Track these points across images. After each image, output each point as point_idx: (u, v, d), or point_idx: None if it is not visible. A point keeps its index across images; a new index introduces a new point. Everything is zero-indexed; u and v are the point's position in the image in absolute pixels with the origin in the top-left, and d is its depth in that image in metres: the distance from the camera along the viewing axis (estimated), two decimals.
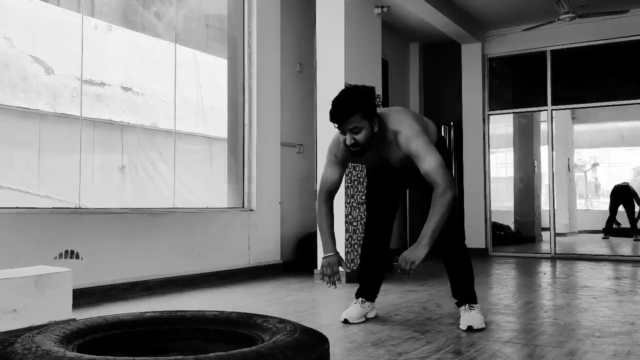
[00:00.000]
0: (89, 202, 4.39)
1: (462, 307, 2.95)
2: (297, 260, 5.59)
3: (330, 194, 2.85)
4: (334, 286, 2.75)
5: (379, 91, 5.32)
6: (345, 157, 2.80)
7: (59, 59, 5.11)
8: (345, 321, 2.98)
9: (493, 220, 7.63)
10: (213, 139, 5.98)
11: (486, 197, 7.48)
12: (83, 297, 3.59)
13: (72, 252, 3.64)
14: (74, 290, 2.75)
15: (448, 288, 3.15)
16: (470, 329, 2.81)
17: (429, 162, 2.54)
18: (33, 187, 4.95)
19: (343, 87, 4.70)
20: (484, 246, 7.41)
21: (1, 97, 4.72)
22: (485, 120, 7.53)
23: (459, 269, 2.99)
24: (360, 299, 3.11)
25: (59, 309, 2.60)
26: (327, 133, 4.84)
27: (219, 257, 4.79)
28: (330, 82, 4.87)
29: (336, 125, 2.57)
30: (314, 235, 5.09)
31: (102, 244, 3.90)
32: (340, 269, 2.81)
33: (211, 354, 1.41)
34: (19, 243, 3.43)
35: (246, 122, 5.36)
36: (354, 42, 4.98)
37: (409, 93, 8.08)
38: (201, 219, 4.69)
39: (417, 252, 2.49)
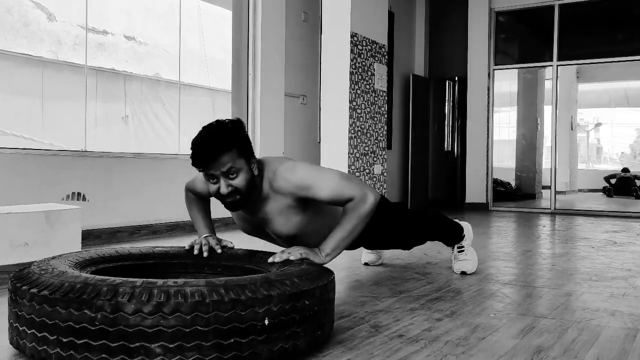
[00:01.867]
0: (93, 149, 4.41)
1: (451, 249, 2.95)
2: None
3: (202, 197, 2.28)
4: (205, 253, 2.05)
5: (383, 41, 5.29)
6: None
7: (61, 5, 5.06)
8: (366, 264, 3.09)
9: (494, 176, 7.68)
10: (216, 91, 5.97)
11: (488, 153, 7.51)
12: (90, 238, 3.65)
13: (79, 194, 3.69)
14: (81, 232, 2.80)
15: None
16: (464, 274, 2.85)
17: (326, 184, 1.92)
18: (37, 134, 4.98)
19: (348, 36, 4.69)
20: (484, 201, 7.47)
21: (3, 43, 4.70)
22: (490, 75, 7.49)
23: (440, 231, 2.87)
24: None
25: (69, 245, 2.66)
26: (331, 83, 4.84)
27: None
28: (335, 32, 4.84)
29: (202, 170, 1.86)
30: None
31: (108, 187, 3.95)
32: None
33: (221, 278, 1.45)
34: (27, 184, 3.48)
35: (250, 72, 5.35)
36: None
37: (414, 46, 8.02)
38: None
39: (313, 256, 1.88)
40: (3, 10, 4.74)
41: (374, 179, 5.19)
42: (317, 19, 5.97)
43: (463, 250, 2.89)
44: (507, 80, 8.43)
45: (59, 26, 5.21)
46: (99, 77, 5.25)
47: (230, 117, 1.92)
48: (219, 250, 2.05)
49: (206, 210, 2.29)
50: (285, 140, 5.56)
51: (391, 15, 6.97)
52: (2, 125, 4.46)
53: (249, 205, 1.99)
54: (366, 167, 5.01)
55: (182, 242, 3.96)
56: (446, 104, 8.40)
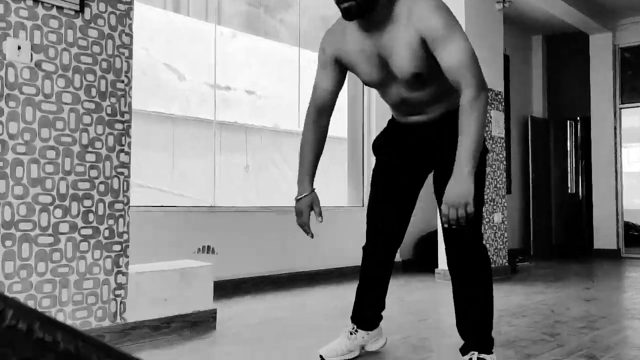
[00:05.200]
0: (217, 201, 4.68)
1: (468, 358, 2.00)
2: (417, 259, 5.60)
3: (320, 110, 2.09)
4: (311, 236, 2.09)
5: (499, 87, 5.21)
6: (337, 50, 2.00)
7: (189, 65, 5.47)
8: (321, 358, 2.21)
9: (625, 219, 7.19)
10: (333, 139, 6.14)
11: (617, 195, 7.06)
12: (217, 289, 3.84)
13: (209, 247, 3.91)
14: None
15: (577, 290, 3.04)
16: None
17: (455, 48, 1.75)
18: (168, 186, 5.36)
19: None
20: (615, 247, 7.00)
21: (139, 104, 5.15)
22: (616, 114, 7.11)
23: (470, 288, 2.00)
24: (352, 325, 2.29)
25: (202, 300, 2.82)
26: None
27: (341, 255, 4.92)
28: None
29: None
30: (434, 234, 5.09)
31: (234, 240, 4.15)
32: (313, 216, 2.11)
33: None
34: (162, 238, 3.74)
35: (365, 122, 5.45)
36: (474, 38, 4.91)
37: (532, 87, 7.80)
38: (326, 217, 4.83)
39: (462, 186, 1.71)
40: (139, 73, 5.19)
41: (494, 228, 5.05)
42: None
43: None
44: (637, 115, 7.94)
45: (187, 85, 5.63)
46: (223, 130, 5.59)
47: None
48: (320, 220, 2.05)
49: (315, 154, 2.12)
50: None
51: (506, 59, 6.86)
52: (139, 179, 4.85)
53: (370, 20, 1.84)
54: (485, 217, 4.90)
55: (302, 295, 4.06)
56: (568, 144, 8.04)
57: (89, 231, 2.44)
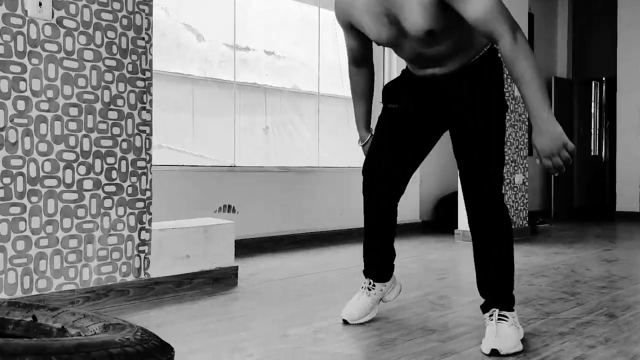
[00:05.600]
0: (237, 161, 4.70)
1: (489, 315, 1.96)
2: (437, 220, 5.61)
3: (357, 64, 2.16)
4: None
5: None
6: (347, 16, 1.98)
7: (208, 26, 5.43)
8: (345, 322, 2.18)
9: None
10: (349, 99, 6.10)
11: None
12: (239, 248, 3.89)
13: (230, 206, 3.95)
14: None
15: (597, 252, 3.02)
16: (495, 353, 1.81)
17: (477, 3, 1.68)
18: (188, 147, 5.38)
19: None
20: (638, 209, 6.93)
21: (159, 64, 5.14)
22: None
23: (490, 246, 1.98)
24: (368, 280, 2.26)
25: (224, 257, 2.87)
26: None
27: (360, 215, 4.93)
28: None
29: None
30: (455, 195, 5.08)
31: (254, 199, 4.19)
32: None
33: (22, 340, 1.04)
34: (183, 197, 3.78)
35: (386, 79, 5.40)
36: None
37: (556, 47, 7.63)
38: (344, 178, 4.84)
39: (550, 130, 1.63)
40: (159, 34, 5.17)
41: (515, 189, 5.02)
42: None
43: (506, 319, 1.92)
44: None
45: (207, 45, 5.60)
46: (242, 91, 5.57)
47: None
48: None
49: (364, 97, 2.21)
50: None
51: (530, 17, 6.70)
52: (160, 140, 4.88)
53: None
54: (507, 177, 4.87)
55: (322, 254, 4.10)
56: (592, 105, 7.90)
57: (112, 188, 2.47)
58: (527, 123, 5.18)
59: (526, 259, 3.81)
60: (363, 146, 2.28)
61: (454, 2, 1.71)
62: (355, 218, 4.89)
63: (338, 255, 4.07)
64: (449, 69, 1.98)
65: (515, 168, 5.03)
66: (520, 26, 1.70)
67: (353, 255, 4.09)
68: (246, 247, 4.00)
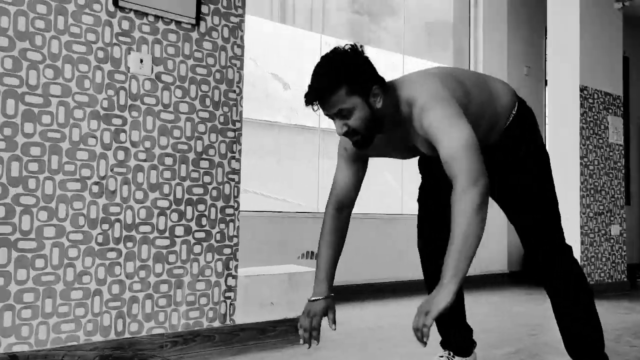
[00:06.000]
0: (320, 207, 4.75)
1: None
2: (525, 270, 5.39)
3: (340, 203, 1.91)
4: (308, 345, 1.79)
5: (618, 91, 4.91)
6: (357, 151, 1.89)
7: (294, 75, 5.59)
8: None
9: None
10: None
11: None
12: None
13: (313, 253, 3.97)
14: None
15: None
16: None
17: (448, 142, 1.58)
18: (272, 191, 5.49)
19: (577, 90, 4.46)
20: None
21: (249, 113, 5.32)
22: None
23: (569, 304, 1.88)
24: (447, 352, 2.18)
25: None
26: (559, 139, 4.61)
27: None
28: (562, 85, 4.62)
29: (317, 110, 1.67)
30: None
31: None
32: (325, 322, 1.85)
33: None
34: (267, 242, 3.84)
35: None
36: (590, 40, 4.66)
37: None
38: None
39: (437, 297, 1.50)
40: (249, 84, 5.38)
41: (612, 241, 4.75)
42: (541, 73, 5.76)
43: None
44: None
45: (292, 93, 5.76)
46: (327, 137, 5.66)
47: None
48: (333, 327, 1.77)
49: (335, 250, 1.91)
50: None
51: (626, 61, 6.44)
52: (245, 185, 5.03)
53: (385, 130, 1.74)
54: (602, 228, 4.62)
55: (409, 304, 4.01)
56: None
57: (202, 234, 2.55)
58: (622, 171, 4.93)
59: (625, 316, 3.57)
60: (311, 302, 1.83)
61: (431, 139, 1.65)
62: None
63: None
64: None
65: (612, 218, 4.77)
66: (484, 183, 1.55)
67: None
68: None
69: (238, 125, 2.70)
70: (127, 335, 2.33)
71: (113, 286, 2.31)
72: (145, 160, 2.41)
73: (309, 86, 1.66)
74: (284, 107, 5.73)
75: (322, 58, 1.69)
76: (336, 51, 1.68)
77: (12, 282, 2.09)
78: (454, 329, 2.15)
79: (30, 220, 2.13)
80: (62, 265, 2.20)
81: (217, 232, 2.60)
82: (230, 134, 2.66)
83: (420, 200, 2.15)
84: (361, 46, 1.69)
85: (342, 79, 1.62)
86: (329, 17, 5.42)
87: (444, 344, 2.18)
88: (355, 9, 5.73)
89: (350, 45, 1.68)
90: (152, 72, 2.44)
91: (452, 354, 2.17)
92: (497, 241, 5.25)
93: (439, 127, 1.61)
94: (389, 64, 5.64)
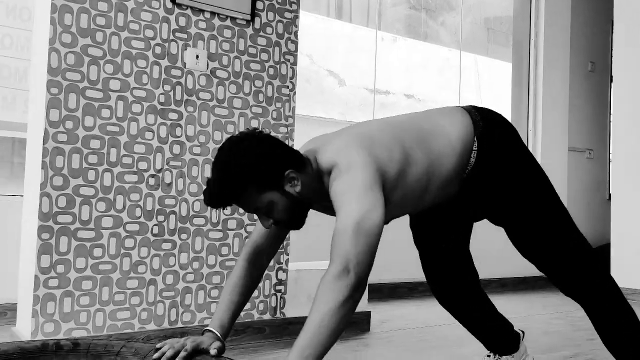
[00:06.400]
0: None
1: None
2: None
3: (255, 253, 1.63)
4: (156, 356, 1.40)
5: None
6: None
7: (350, 71, 5.59)
8: None
9: None
10: None
11: None
12: (372, 292, 3.87)
13: None
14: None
15: None
16: None
17: (343, 215, 1.37)
18: None
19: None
20: None
21: (304, 109, 5.35)
22: None
23: (610, 320, 1.76)
24: (492, 354, 2.09)
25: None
26: (621, 136, 4.43)
27: (502, 264, 4.72)
28: (627, 80, 4.44)
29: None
30: (607, 247, 4.69)
31: (388, 244, 4.15)
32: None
33: None
34: (317, 237, 3.85)
35: (530, 127, 5.19)
36: None
37: None
38: (484, 225, 4.67)
39: None
40: (304, 81, 5.41)
41: None
42: (607, 69, 5.56)
43: None
44: None
45: (347, 90, 5.76)
46: None
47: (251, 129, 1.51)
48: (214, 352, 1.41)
49: (240, 294, 1.58)
50: (568, 196, 5.22)
51: None
52: None
53: (316, 201, 1.55)
54: None
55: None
56: None
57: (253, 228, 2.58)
58: None
59: None
60: (205, 332, 1.52)
61: (335, 209, 1.43)
62: (502, 266, 4.68)
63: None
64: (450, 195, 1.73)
65: None
66: (359, 275, 1.33)
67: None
68: (379, 292, 3.96)
69: (290, 121, 2.71)
70: (179, 325, 2.39)
71: (167, 276, 2.37)
72: (199, 155, 2.46)
73: (211, 192, 1.43)
74: (338, 104, 5.74)
75: (219, 154, 1.45)
76: (232, 145, 1.44)
77: (72, 269, 2.17)
78: (490, 333, 2.04)
79: (90, 211, 2.21)
80: (119, 254, 2.27)
81: None
82: (283, 129, 2.68)
83: (416, 244, 2.05)
84: (258, 130, 1.49)
85: (246, 180, 1.42)
86: (385, 13, 5.39)
87: (487, 347, 2.10)
88: (412, 5, 5.66)
89: (246, 132, 1.48)
90: (207, 68, 2.48)
91: (497, 356, 2.07)
92: None
93: (342, 196, 1.40)
94: (445, 60, 5.56)
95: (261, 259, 1.64)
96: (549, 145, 5.13)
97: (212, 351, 1.39)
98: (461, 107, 1.75)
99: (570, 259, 1.70)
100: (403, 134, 1.60)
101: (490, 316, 2.01)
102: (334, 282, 1.30)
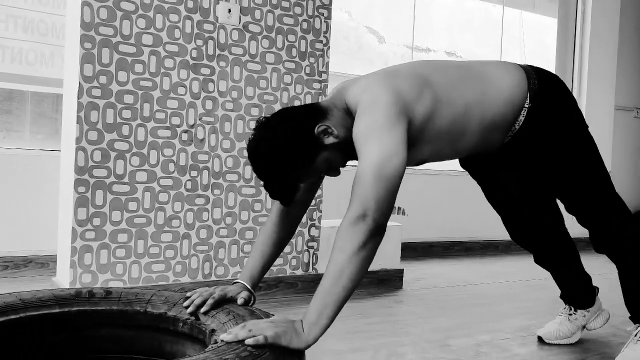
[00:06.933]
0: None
1: (635, 328, 1.84)
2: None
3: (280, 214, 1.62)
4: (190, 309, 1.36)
5: None
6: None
7: (389, 28, 5.46)
8: (540, 339, 2.09)
9: None
10: None
11: None
12: (407, 250, 3.86)
13: (399, 208, 3.94)
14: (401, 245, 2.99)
15: None
16: None
17: (364, 158, 1.33)
18: None
19: None
20: None
21: (341, 66, 5.27)
22: None
23: (628, 258, 1.80)
24: (567, 307, 2.11)
25: (390, 259, 2.86)
26: None
27: None
28: None
29: None
30: None
31: (424, 202, 4.12)
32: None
33: None
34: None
35: (575, 84, 5.01)
36: None
37: None
38: None
39: (287, 333, 1.19)
40: (342, 37, 5.32)
41: None
42: None
43: None
44: None
45: (387, 47, 5.64)
46: None
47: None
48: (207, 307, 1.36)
49: (271, 246, 1.57)
50: (613, 157, 5.05)
51: None
52: None
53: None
54: None
55: (491, 264, 3.91)
56: None
57: None
58: None
59: None
60: (235, 283, 1.49)
61: (357, 151, 1.38)
62: None
63: (511, 266, 3.86)
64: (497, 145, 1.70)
65: None
66: (377, 220, 1.28)
67: (528, 268, 3.85)
68: (414, 251, 3.95)
69: (324, 76, 2.68)
70: (213, 278, 2.43)
71: (201, 231, 2.40)
72: (232, 110, 2.45)
73: (275, 195, 1.41)
74: (378, 60, 5.64)
75: (253, 164, 1.41)
76: (255, 150, 1.39)
77: (108, 222, 2.22)
78: (571, 283, 2.04)
79: (124, 165, 2.24)
80: (153, 208, 2.31)
81: None
82: (316, 85, 2.65)
83: (489, 200, 2.02)
84: (263, 117, 1.44)
85: (292, 169, 1.39)
86: None
87: (564, 298, 2.10)
88: None
89: (256, 130, 1.41)
90: (239, 22, 2.45)
91: (572, 308, 2.10)
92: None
93: (363, 138, 1.35)
94: (488, 16, 5.38)
95: (294, 211, 1.61)
96: (594, 103, 4.95)
97: (240, 300, 1.40)
98: (519, 64, 1.72)
99: (607, 222, 1.76)
100: (440, 73, 1.55)
101: (576, 266, 2.03)
102: (351, 227, 1.27)
